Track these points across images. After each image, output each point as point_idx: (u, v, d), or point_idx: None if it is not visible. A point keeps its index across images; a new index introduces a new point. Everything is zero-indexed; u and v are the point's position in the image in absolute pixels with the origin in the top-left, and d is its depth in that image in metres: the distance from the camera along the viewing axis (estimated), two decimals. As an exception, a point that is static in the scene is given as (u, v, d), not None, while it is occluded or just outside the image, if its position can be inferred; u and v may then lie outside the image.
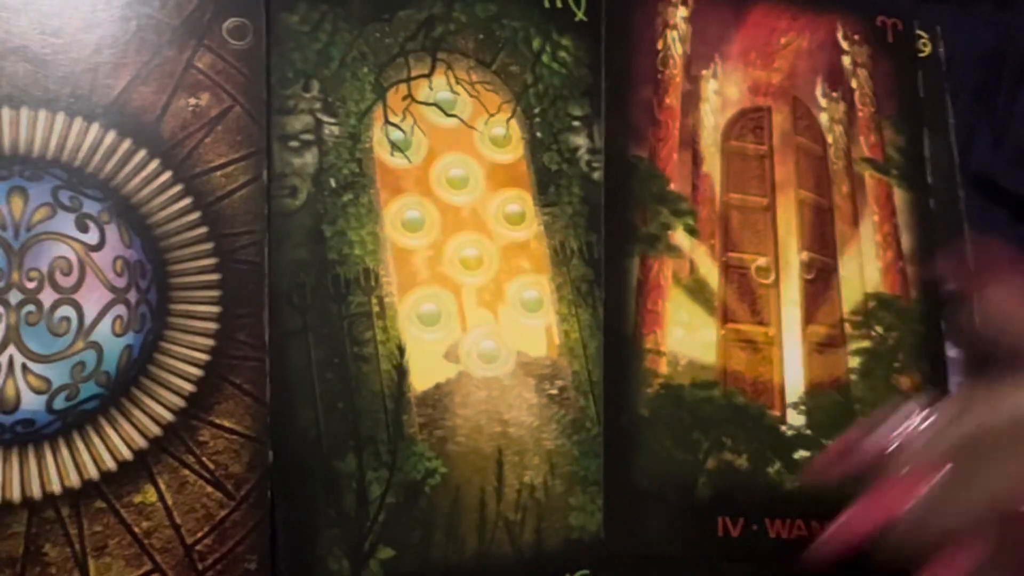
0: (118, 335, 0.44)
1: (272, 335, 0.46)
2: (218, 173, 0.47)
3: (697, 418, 0.51)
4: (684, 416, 0.51)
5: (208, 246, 0.46)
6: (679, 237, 0.53)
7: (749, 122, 0.56)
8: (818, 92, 0.57)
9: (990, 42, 0.64)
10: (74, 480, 0.43)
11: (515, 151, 0.52)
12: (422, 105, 0.51)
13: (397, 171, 0.50)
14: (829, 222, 0.56)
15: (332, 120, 0.49)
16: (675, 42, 0.55)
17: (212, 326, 0.45)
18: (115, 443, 0.44)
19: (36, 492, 0.42)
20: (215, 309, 0.46)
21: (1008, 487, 0.37)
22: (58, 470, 0.43)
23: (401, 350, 0.48)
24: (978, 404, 0.39)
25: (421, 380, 0.48)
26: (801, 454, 0.52)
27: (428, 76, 0.51)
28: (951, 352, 0.56)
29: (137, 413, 0.44)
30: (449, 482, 0.47)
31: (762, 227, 0.54)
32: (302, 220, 0.48)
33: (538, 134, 0.52)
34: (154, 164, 0.46)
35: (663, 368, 0.51)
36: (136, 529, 0.43)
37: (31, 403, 0.43)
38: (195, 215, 0.46)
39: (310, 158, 0.49)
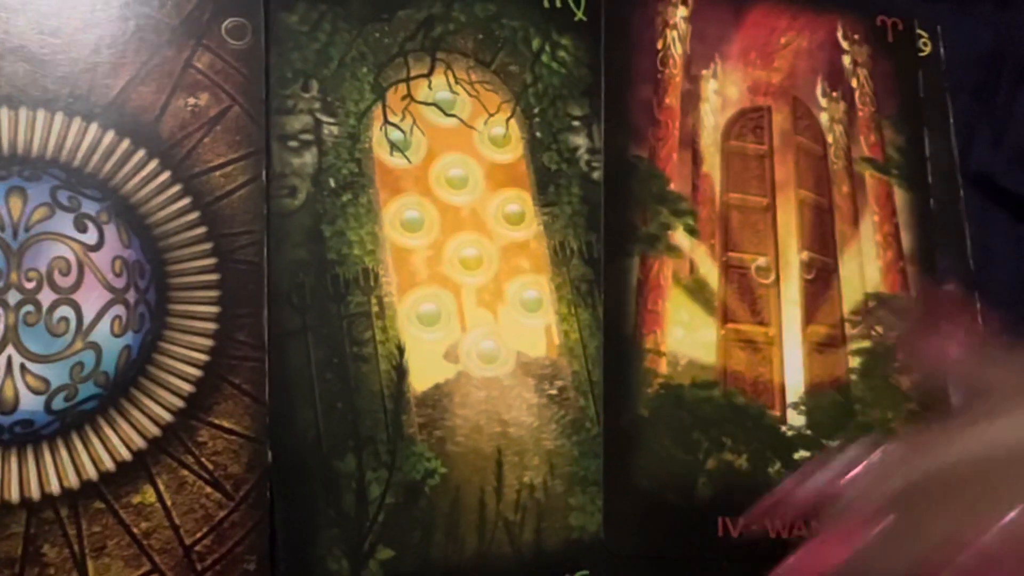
0: (117, 335, 0.44)
1: (271, 335, 0.46)
2: (217, 173, 0.47)
3: (697, 418, 0.51)
4: (684, 416, 0.51)
5: (207, 246, 0.46)
6: (679, 237, 0.53)
7: (749, 122, 0.56)
8: (818, 92, 0.57)
9: (990, 42, 0.64)
10: (73, 481, 0.43)
11: (515, 151, 0.52)
12: (421, 105, 0.51)
13: (396, 171, 0.50)
14: (829, 222, 0.55)
15: (331, 120, 0.49)
16: (675, 42, 0.55)
17: (211, 326, 0.45)
18: (114, 444, 0.44)
19: (35, 493, 0.42)
20: (214, 309, 0.46)
21: (940, 543, 0.36)
22: (57, 471, 0.43)
23: (400, 350, 0.48)
24: (925, 449, 0.38)
25: (420, 380, 0.48)
26: (801, 454, 0.52)
27: (427, 76, 0.51)
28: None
29: (136, 414, 0.44)
30: (449, 482, 0.47)
31: (762, 227, 0.54)
32: (301, 220, 0.48)
33: (538, 134, 0.52)
34: (153, 164, 0.46)
35: (663, 368, 0.51)
36: (135, 530, 0.43)
37: (30, 403, 0.43)
38: (194, 215, 0.46)
39: (309, 158, 0.49)
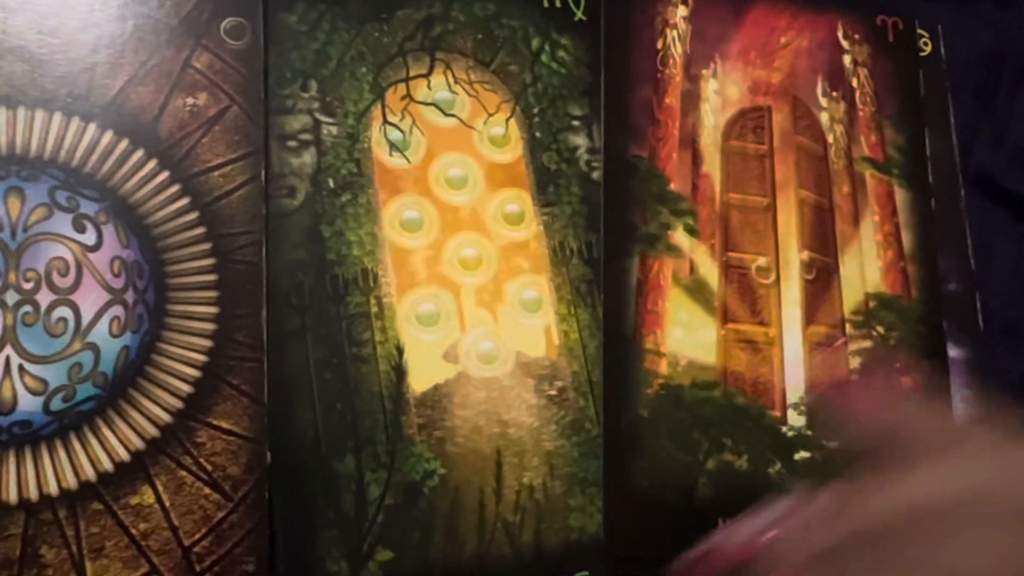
0: (115, 336, 0.44)
1: (270, 336, 0.46)
2: (216, 173, 0.47)
3: (697, 419, 0.51)
4: (684, 417, 0.50)
5: (206, 246, 0.46)
6: (679, 237, 0.53)
7: (749, 122, 0.56)
8: (818, 91, 0.57)
9: (990, 41, 0.64)
10: (71, 482, 0.43)
11: (514, 151, 0.52)
12: (421, 105, 0.51)
13: (396, 171, 0.50)
14: (830, 222, 0.55)
15: (330, 120, 0.49)
16: (675, 41, 0.55)
17: (210, 327, 0.45)
18: (112, 444, 0.43)
19: (33, 494, 0.42)
20: (213, 310, 0.45)
21: None
22: (55, 472, 0.43)
23: (400, 350, 0.48)
24: (855, 503, 0.38)
25: (420, 381, 0.48)
26: (801, 455, 0.51)
27: (427, 76, 0.51)
28: (952, 352, 0.56)
29: (134, 414, 0.44)
30: (448, 483, 0.47)
31: (762, 227, 0.54)
32: (300, 220, 0.48)
33: (537, 134, 0.52)
34: (152, 164, 0.46)
35: (663, 368, 0.51)
36: (133, 531, 0.43)
37: (28, 404, 0.43)
38: (193, 215, 0.46)
39: (308, 158, 0.49)
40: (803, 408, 0.52)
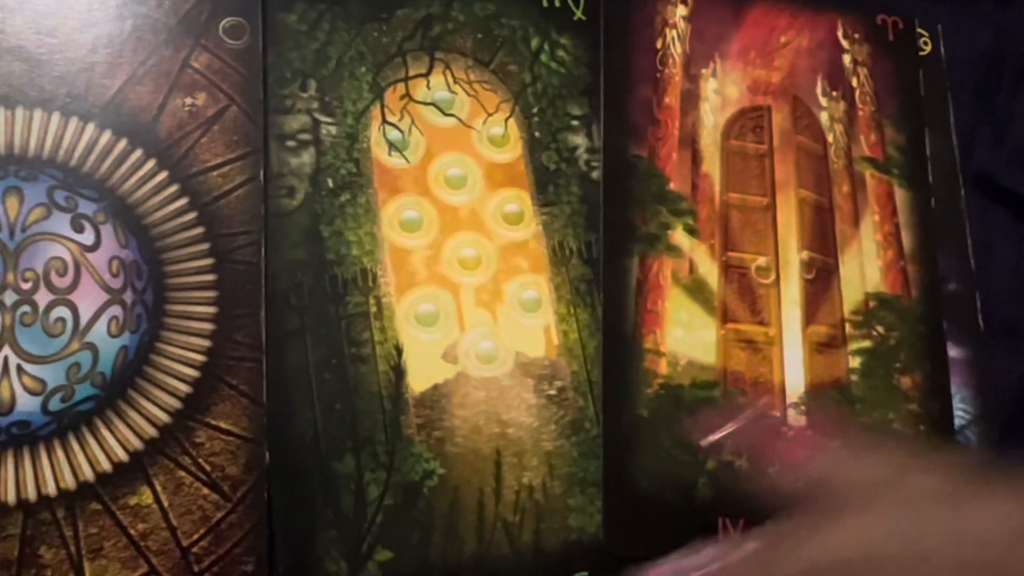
0: (114, 336, 0.44)
1: (269, 336, 0.46)
2: (215, 173, 0.47)
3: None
4: (684, 416, 0.50)
5: (205, 246, 0.46)
6: (679, 237, 0.53)
7: (749, 121, 0.55)
8: (818, 91, 0.57)
9: (991, 41, 0.63)
10: (69, 482, 0.43)
11: (513, 150, 0.51)
12: (420, 104, 0.51)
13: (395, 171, 0.50)
14: (829, 221, 0.55)
15: (329, 120, 0.49)
16: (674, 41, 0.55)
17: (208, 327, 0.45)
18: (110, 444, 0.43)
19: (31, 494, 0.42)
20: (211, 310, 0.45)
21: None
22: (53, 472, 0.43)
23: (399, 351, 0.48)
24: (777, 557, 0.38)
25: (419, 381, 0.48)
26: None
27: (426, 75, 0.51)
28: (952, 352, 0.55)
29: (133, 414, 0.44)
30: (447, 483, 0.47)
31: (762, 226, 0.54)
32: (299, 220, 0.48)
33: (536, 133, 0.52)
34: (150, 164, 0.46)
35: (663, 368, 0.51)
36: (132, 531, 0.43)
37: (26, 404, 0.43)
38: (191, 215, 0.46)
39: (307, 158, 0.48)
40: (803, 408, 0.52)
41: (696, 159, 0.54)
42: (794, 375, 0.52)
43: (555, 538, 0.48)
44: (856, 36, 0.58)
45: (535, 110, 0.52)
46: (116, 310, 0.44)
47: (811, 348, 0.53)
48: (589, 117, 0.53)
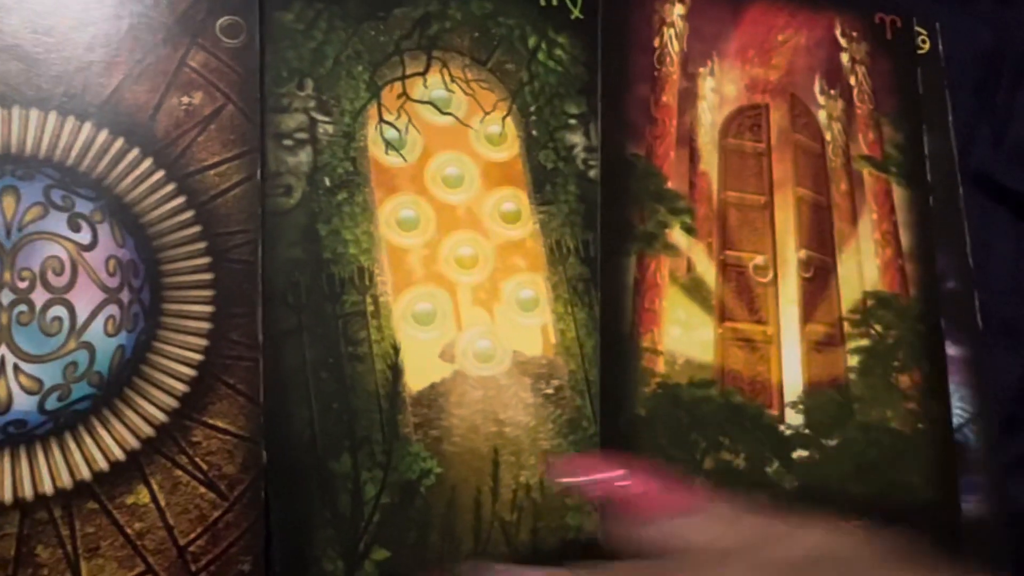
0: (110, 335, 0.44)
1: (266, 335, 0.46)
2: (211, 172, 0.47)
3: (695, 417, 0.50)
4: (681, 415, 0.50)
5: (201, 245, 0.46)
6: (676, 235, 0.53)
7: (747, 120, 0.55)
8: (816, 89, 0.57)
9: (989, 39, 0.63)
10: (66, 481, 0.43)
11: (511, 149, 0.51)
12: (417, 103, 0.51)
13: (392, 170, 0.50)
14: (827, 220, 0.55)
15: (326, 119, 0.49)
16: (672, 39, 0.55)
17: (205, 326, 0.45)
18: (107, 444, 0.43)
19: (28, 493, 0.42)
20: (208, 309, 0.45)
21: None
22: (50, 471, 0.43)
23: (396, 349, 0.48)
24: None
25: (416, 380, 0.48)
26: (799, 453, 0.51)
27: (423, 74, 0.51)
28: (951, 351, 0.55)
29: (130, 413, 0.44)
30: (444, 482, 0.47)
31: (760, 225, 0.54)
32: (296, 219, 0.48)
33: (534, 132, 0.52)
34: (147, 163, 0.46)
35: (660, 367, 0.51)
36: (129, 530, 0.43)
37: (23, 403, 0.43)
38: (188, 214, 0.46)
39: (304, 157, 0.48)
40: (801, 407, 0.52)
41: (694, 158, 0.54)
42: (792, 374, 0.52)
43: (552, 537, 0.48)
44: (854, 34, 0.58)
45: (532, 109, 0.52)
46: (113, 309, 0.44)
47: (809, 347, 0.53)
48: (587, 116, 0.53)
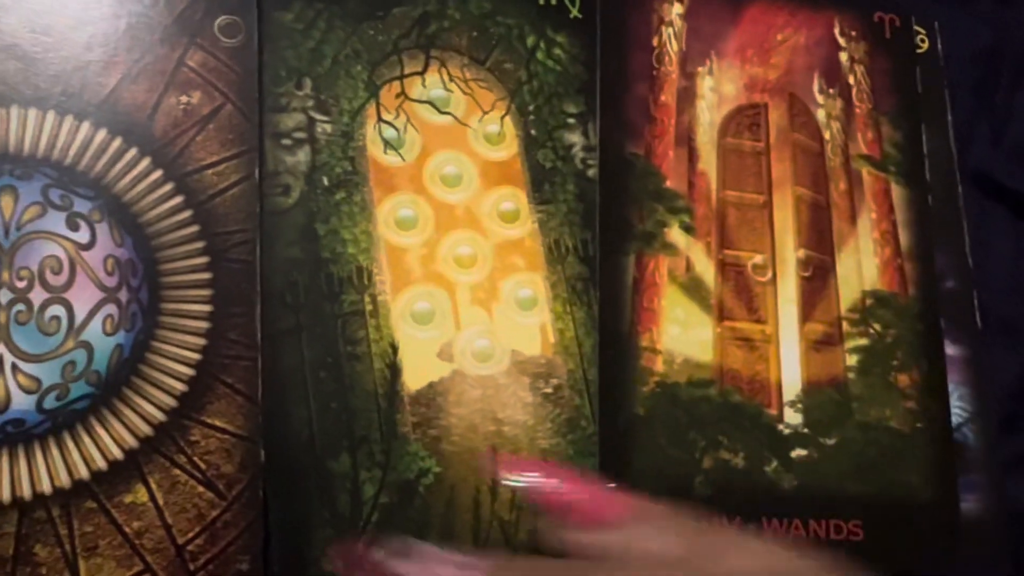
0: (109, 334, 0.44)
1: (265, 334, 0.46)
2: (210, 171, 0.47)
3: (693, 417, 0.50)
4: (680, 415, 0.50)
5: (200, 245, 0.46)
6: (675, 234, 0.53)
7: (746, 119, 0.55)
8: (815, 88, 0.57)
9: (988, 38, 0.63)
10: (64, 480, 0.43)
11: (509, 149, 0.51)
12: (415, 103, 0.51)
13: (390, 169, 0.50)
14: (826, 219, 0.55)
15: (325, 118, 0.49)
16: (671, 39, 0.55)
17: (204, 325, 0.45)
18: (106, 443, 0.43)
19: (27, 492, 0.42)
20: (207, 308, 0.45)
21: None
22: (48, 470, 0.43)
23: (394, 349, 0.48)
24: None
25: (415, 379, 0.48)
26: (798, 452, 0.51)
27: (421, 74, 0.51)
28: (950, 350, 0.55)
29: (128, 413, 0.44)
30: (443, 481, 0.47)
31: (759, 224, 0.54)
32: (295, 218, 0.48)
33: (532, 132, 0.52)
34: (145, 162, 0.46)
35: (659, 366, 0.51)
36: (127, 529, 0.43)
37: (21, 403, 0.43)
38: (186, 214, 0.46)
39: (303, 156, 0.48)
40: (800, 406, 0.52)
41: (693, 157, 0.54)
42: (791, 373, 0.52)
43: (551, 536, 0.48)
44: (853, 34, 0.58)
45: (531, 108, 0.52)
46: (111, 308, 0.44)
47: (808, 346, 0.53)
48: (585, 115, 0.53)
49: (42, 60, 0.45)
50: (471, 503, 0.47)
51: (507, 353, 0.49)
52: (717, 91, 0.55)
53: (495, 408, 0.48)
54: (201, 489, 0.44)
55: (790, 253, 0.54)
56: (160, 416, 0.44)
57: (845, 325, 0.54)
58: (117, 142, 0.46)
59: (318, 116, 0.49)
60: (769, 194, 0.54)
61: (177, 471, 0.44)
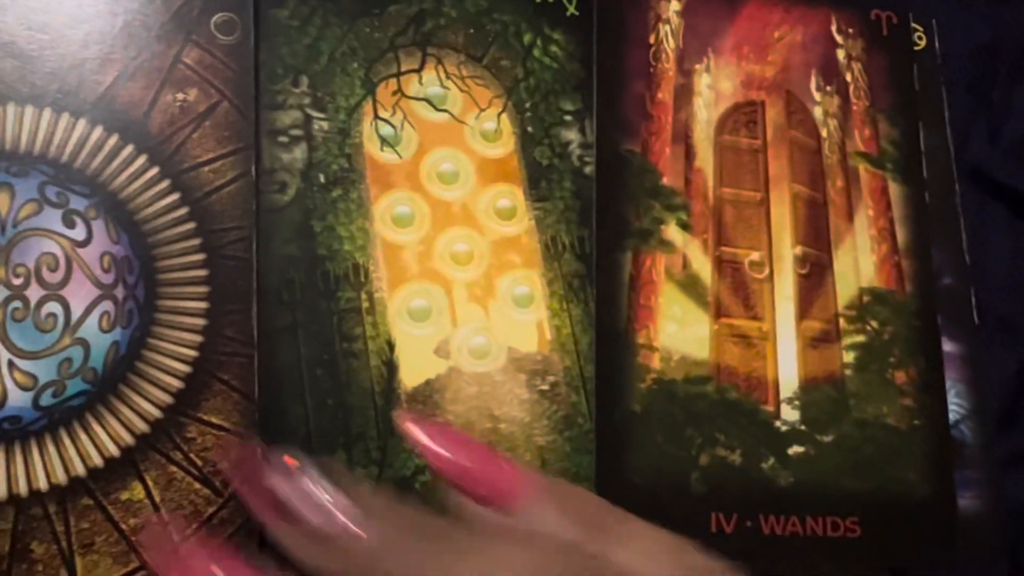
0: (105, 331, 0.44)
1: (261, 331, 0.46)
2: (206, 169, 0.47)
3: (690, 414, 0.50)
4: (677, 412, 0.50)
5: (196, 242, 0.46)
6: (672, 232, 0.53)
7: (743, 116, 0.55)
8: (812, 86, 0.57)
9: (986, 36, 0.63)
10: (61, 477, 0.43)
11: (506, 146, 0.51)
12: (412, 100, 0.51)
13: (387, 166, 0.50)
14: (823, 216, 0.55)
15: (321, 115, 0.49)
16: (667, 36, 0.55)
17: (200, 322, 0.45)
18: (102, 440, 0.43)
19: (22, 489, 0.42)
20: (203, 305, 0.45)
21: None
22: (45, 467, 0.43)
23: (391, 346, 0.48)
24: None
25: (411, 376, 0.48)
26: (795, 449, 0.51)
27: (418, 71, 0.51)
28: (947, 347, 0.55)
29: (124, 409, 0.44)
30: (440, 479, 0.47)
31: (756, 221, 0.54)
32: (291, 215, 0.48)
33: (529, 129, 0.52)
34: (141, 160, 0.46)
35: (656, 363, 0.51)
36: (124, 526, 0.43)
37: (17, 400, 0.43)
38: (183, 211, 0.46)
39: (299, 153, 0.48)
40: (797, 403, 0.52)
41: (689, 154, 0.54)
42: (788, 370, 0.52)
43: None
44: (850, 31, 0.58)
45: (528, 105, 0.52)
46: (107, 305, 0.44)
47: (805, 343, 0.53)
48: (582, 112, 0.53)
49: (38, 58, 0.45)
50: (468, 500, 0.47)
51: (503, 350, 0.49)
52: (714, 88, 0.55)
53: (491, 405, 0.48)
54: (198, 486, 0.44)
55: (787, 250, 0.54)
56: (156, 413, 0.44)
57: (842, 322, 0.54)
58: (113, 139, 0.46)
59: (314, 113, 0.49)
60: (766, 191, 0.54)
61: (173, 468, 0.44)
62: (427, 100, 0.51)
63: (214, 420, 0.45)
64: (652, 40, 0.55)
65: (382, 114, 0.50)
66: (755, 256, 0.53)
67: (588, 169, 0.52)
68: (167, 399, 0.44)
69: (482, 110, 0.51)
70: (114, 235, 0.45)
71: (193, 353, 0.45)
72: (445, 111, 0.51)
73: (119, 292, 0.44)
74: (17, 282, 0.43)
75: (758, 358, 0.52)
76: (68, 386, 0.43)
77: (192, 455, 0.44)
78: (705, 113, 0.55)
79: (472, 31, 0.52)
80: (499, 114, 0.52)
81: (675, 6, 0.55)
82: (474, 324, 0.49)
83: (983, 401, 0.55)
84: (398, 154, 0.50)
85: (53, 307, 0.43)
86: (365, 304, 0.48)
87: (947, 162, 0.58)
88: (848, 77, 0.57)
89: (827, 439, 0.52)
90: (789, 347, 0.53)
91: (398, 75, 0.51)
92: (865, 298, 0.55)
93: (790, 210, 0.55)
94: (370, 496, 0.37)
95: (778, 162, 0.55)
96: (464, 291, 0.49)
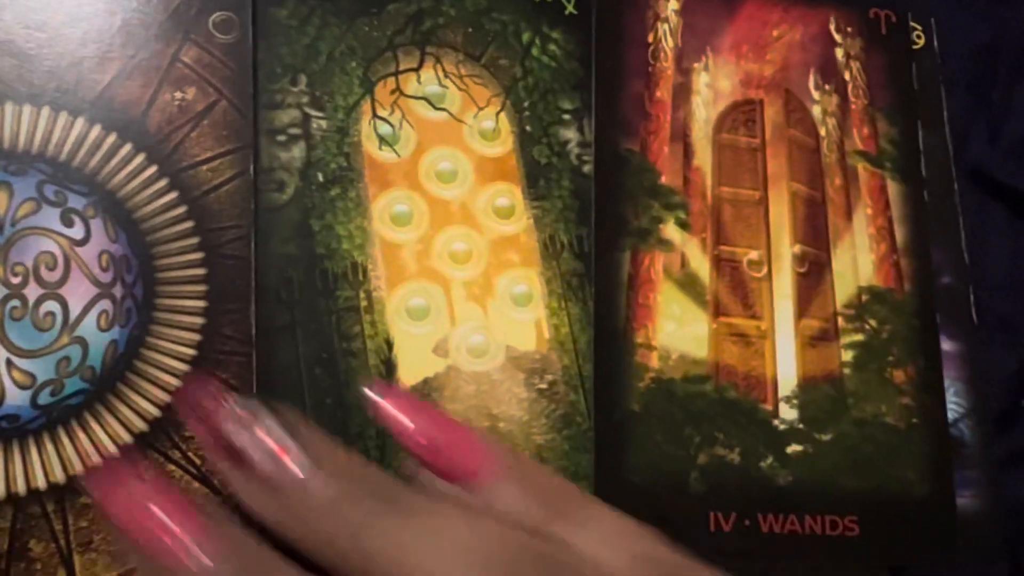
0: (103, 330, 0.44)
1: (259, 330, 0.46)
2: (204, 167, 0.47)
3: (689, 412, 0.50)
4: (675, 411, 0.50)
5: (194, 240, 0.46)
6: (670, 231, 0.52)
7: (741, 115, 0.55)
8: (811, 85, 0.57)
9: (986, 35, 0.63)
10: (59, 475, 0.43)
11: (504, 145, 0.51)
12: (411, 99, 0.51)
13: (385, 165, 0.50)
14: (822, 215, 0.55)
15: (320, 114, 0.49)
16: (666, 35, 0.55)
17: (198, 321, 0.45)
18: (100, 438, 0.43)
19: (21, 488, 0.42)
20: (201, 304, 0.45)
21: None
22: (43, 465, 0.43)
23: (389, 345, 0.48)
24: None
25: (410, 375, 0.48)
26: (794, 448, 0.51)
27: (417, 70, 0.51)
28: (946, 346, 0.55)
29: (122, 408, 0.44)
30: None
31: (754, 220, 0.54)
32: (289, 214, 0.48)
33: (528, 128, 0.52)
34: (140, 158, 0.46)
35: (654, 362, 0.51)
36: (122, 525, 0.43)
37: (15, 398, 0.43)
38: (181, 209, 0.46)
39: (297, 152, 0.48)
40: (795, 402, 0.52)
41: (688, 153, 0.54)
42: (786, 369, 0.52)
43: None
44: (849, 30, 0.58)
45: (526, 104, 0.52)
46: (106, 304, 0.44)
47: (803, 342, 0.53)
48: (581, 111, 0.53)
49: (36, 56, 0.45)
50: (466, 499, 0.47)
51: (502, 349, 0.49)
52: (713, 87, 0.55)
53: (490, 404, 0.48)
54: (196, 485, 0.44)
55: (786, 249, 0.54)
56: (155, 412, 0.44)
57: (841, 321, 0.54)
58: (112, 138, 0.46)
59: (313, 112, 0.49)
60: (764, 190, 0.54)
61: (171, 466, 0.44)
62: (425, 99, 0.51)
63: (212, 419, 0.45)
64: (651, 39, 0.55)
65: (380, 113, 0.50)
66: (754, 255, 0.53)
67: (587, 168, 0.52)
68: (165, 398, 0.44)
69: (480, 109, 0.51)
70: (112, 234, 0.45)
71: (191, 352, 0.45)
72: (444, 110, 0.51)
73: (117, 291, 0.44)
74: (15, 281, 0.43)
75: (757, 357, 0.52)
76: (66, 385, 0.43)
77: (190, 454, 0.44)
78: (704, 112, 0.55)
79: (471, 30, 0.52)
80: (497, 113, 0.52)
81: (673, 5, 0.55)
82: (472, 323, 0.49)
83: (982, 400, 0.55)
84: (396, 153, 0.50)
85: (51, 306, 0.43)
86: (364, 303, 0.48)
87: (946, 161, 0.58)
88: (847, 76, 0.57)
89: (826, 438, 0.52)
90: (788, 346, 0.53)
91: (396, 74, 0.51)
92: (864, 297, 0.55)
93: (789, 209, 0.55)
94: (327, 448, 0.35)
95: (777, 161, 0.55)
96: (462, 290, 0.49)
